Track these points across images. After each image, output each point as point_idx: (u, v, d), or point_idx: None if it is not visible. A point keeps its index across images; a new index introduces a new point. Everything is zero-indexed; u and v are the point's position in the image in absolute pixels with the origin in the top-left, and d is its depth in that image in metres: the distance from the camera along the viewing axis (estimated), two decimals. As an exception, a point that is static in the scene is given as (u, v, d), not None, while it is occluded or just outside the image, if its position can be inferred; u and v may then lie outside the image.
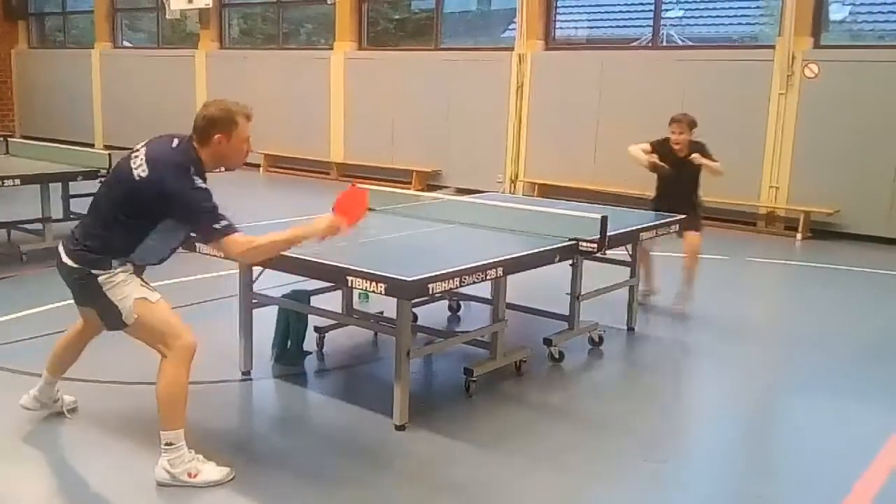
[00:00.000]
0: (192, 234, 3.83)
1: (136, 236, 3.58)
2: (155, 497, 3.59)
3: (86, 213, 3.77)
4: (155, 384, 3.62)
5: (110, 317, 3.63)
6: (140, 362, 4.06)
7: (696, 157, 6.50)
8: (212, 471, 3.67)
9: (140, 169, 3.53)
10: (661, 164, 6.57)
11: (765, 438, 4.68)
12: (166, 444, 3.60)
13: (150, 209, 3.53)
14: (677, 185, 6.65)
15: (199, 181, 3.51)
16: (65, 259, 3.63)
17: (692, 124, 6.59)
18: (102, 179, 3.86)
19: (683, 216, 6.28)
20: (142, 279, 3.70)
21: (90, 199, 3.86)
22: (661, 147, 6.67)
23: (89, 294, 3.63)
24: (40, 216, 8.06)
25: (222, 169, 3.74)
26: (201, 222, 3.52)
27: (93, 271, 3.55)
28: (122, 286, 3.57)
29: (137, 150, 3.64)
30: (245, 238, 3.54)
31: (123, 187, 3.58)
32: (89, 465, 3.91)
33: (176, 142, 3.64)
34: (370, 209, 5.86)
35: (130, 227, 3.57)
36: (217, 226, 3.48)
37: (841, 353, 5.91)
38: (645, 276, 6.83)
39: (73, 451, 4.08)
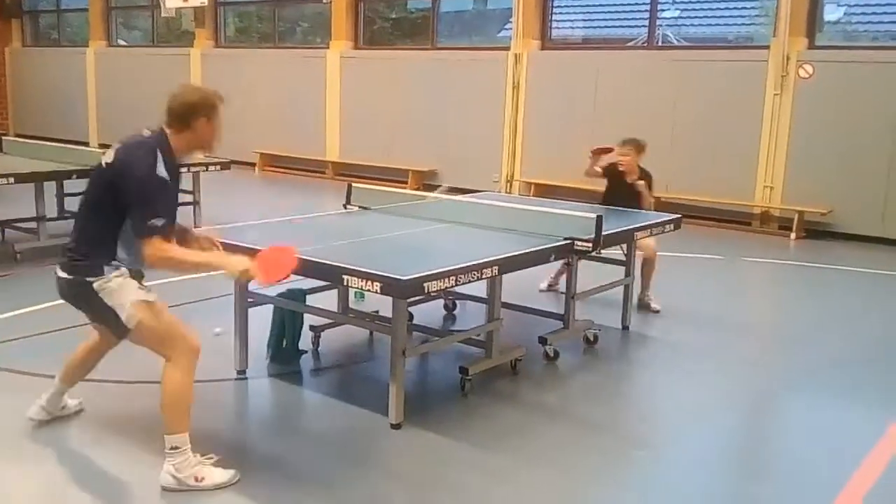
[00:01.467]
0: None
1: (111, 231, 3.55)
2: (156, 498, 3.59)
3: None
4: (160, 387, 3.60)
5: (112, 323, 3.61)
6: (141, 360, 4.04)
7: (640, 184, 6.63)
8: (217, 473, 3.65)
9: (106, 157, 3.61)
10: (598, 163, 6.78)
11: (758, 437, 4.70)
12: (171, 449, 3.57)
13: (116, 196, 3.49)
14: (617, 202, 6.73)
15: (161, 168, 3.48)
16: (60, 274, 3.62)
17: (640, 149, 6.70)
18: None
19: (678, 216, 6.31)
20: (139, 283, 3.67)
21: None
22: (608, 170, 6.80)
23: (88, 303, 3.61)
24: (34, 215, 8.05)
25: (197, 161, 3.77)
26: (143, 211, 3.44)
27: (87, 279, 3.53)
28: (119, 291, 3.55)
29: (112, 147, 3.72)
30: (167, 245, 3.49)
31: (95, 182, 3.66)
32: (91, 466, 3.90)
33: (147, 132, 3.68)
34: (366, 208, 5.89)
35: (105, 222, 3.56)
36: (153, 222, 3.42)
37: (834, 352, 5.93)
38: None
39: (75, 452, 4.07)
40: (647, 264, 6.65)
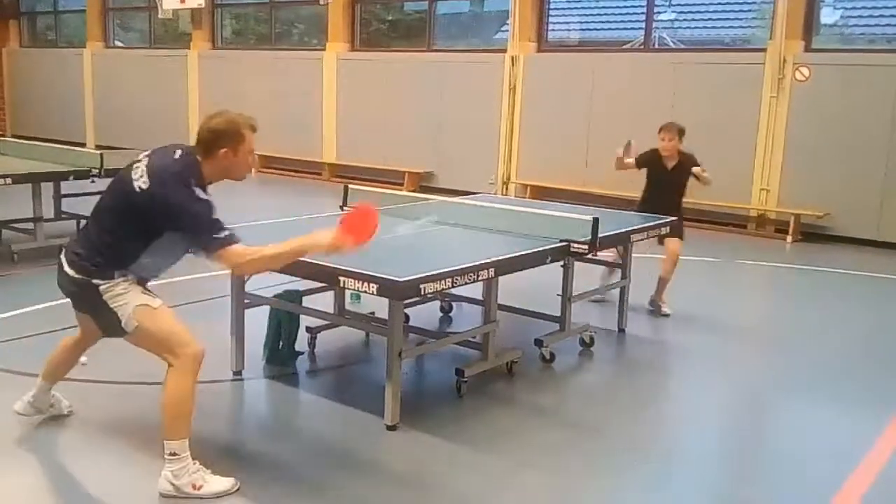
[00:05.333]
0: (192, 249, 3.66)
1: (136, 248, 3.52)
2: (140, 488, 3.58)
3: (88, 221, 3.71)
4: (162, 391, 3.57)
5: (109, 324, 3.57)
6: (138, 361, 4.03)
7: (696, 169, 6.56)
8: (216, 482, 3.60)
9: (141, 181, 3.44)
10: (628, 159, 6.67)
11: (754, 440, 4.70)
12: (170, 455, 3.53)
13: (151, 221, 3.46)
14: (663, 194, 6.68)
15: (199, 192, 3.43)
16: (66, 269, 3.58)
17: (681, 132, 6.64)
18: (102, 189, 3.74)
19: (674, 218, 6.32)
20: (144, 287, 3.64)
21: (81, 198, 3.86)
22: (647, 159, 6.71)
23: (88, 302, 3.58)
24: (32, 216, 8.03)
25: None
26: (202, 234, 3.42)
27: (94, 281, 3.50)
28: (123, 295, 3.51)
29: (139, 161, 3.55)
30: (244, 249, 3.45)
31: (124, 199, 3.51)
32: (86, 470, 3.87)
33: (178, 153, 3.53)
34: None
35: (132, 239, 3.51)
36: (218, 236, 3.40)
37: (830, 355, 5.94)
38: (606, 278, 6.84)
39: (69, 455, 4.05)
40: (669, 265, 6.67)
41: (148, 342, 3.59)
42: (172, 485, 3.53)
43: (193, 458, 3.60)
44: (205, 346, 3.61)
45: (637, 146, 6.66)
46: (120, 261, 3.52)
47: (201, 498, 3.55)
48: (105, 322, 3.60)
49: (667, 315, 6.62)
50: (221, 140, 3.50)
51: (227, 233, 3.42)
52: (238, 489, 3.62)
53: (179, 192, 3.40)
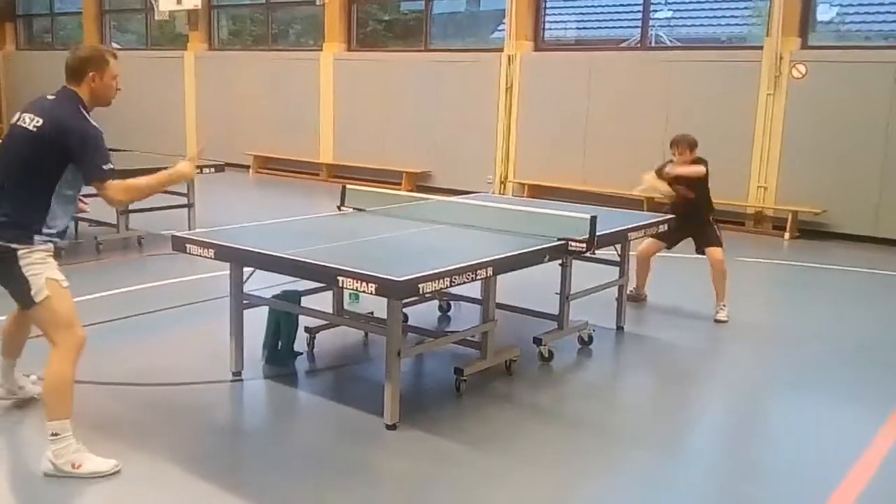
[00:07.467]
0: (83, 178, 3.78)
1: (44, 195, 3.64)
2: (138, 489, 3.59)
3: None
4: (44, 373, 3.65)
5: (21, 293, 3.65)
6: (133, 361, 4.04)
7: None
8: (96, 461, 3.68)
9: (34, 123, 3.67)
10: (678, 187, 6.60)
11: (752, 436, 4.71)
12: (52, 435, 3.62)
13: (53, 158, 3.61)
14: (687, 203, 6.65)
15: (92, 121, 3.73)
16: None
17: (692, 144, 6.55)
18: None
19: (672, 216, 6.33)
20: (57, 265, 3.73)
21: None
22: (663, 167, 6.71)
23: (3, 269, 3.63)
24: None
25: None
26: (96, 162, 3.65)
27: (13, 245, 3.58)
28: (39, 264, 3.62)
29: (19, 117, 3.77)
30: (123, 181, 3.76)
31: (22, 147, 3.67)
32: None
33: (51, 95, 3.81)
34: (360, 209, 5.89)
35: (38, 185, 3.63)
36: (105, 167, 3.67)
37: (828, 351, 5.95)
38: (637, 279, 6.88)
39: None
40: (716, 274, 6.62)
41: (49, 317, 3.66)
42: (53, 464, 3.62)
43: (79, 441, 3.66)
44: (86, 336, 3.74)
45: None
46: (35, 216, 3.62)
47: (79, 476, 3.62)
48: (17, 290, 3.66)
49: (721, 321, 6.52)
50: (88, 65, 3.82)
51: (112, 166, 3.72)
52: (118, 471, 3.68)
53: (75, 119, 3.70)
